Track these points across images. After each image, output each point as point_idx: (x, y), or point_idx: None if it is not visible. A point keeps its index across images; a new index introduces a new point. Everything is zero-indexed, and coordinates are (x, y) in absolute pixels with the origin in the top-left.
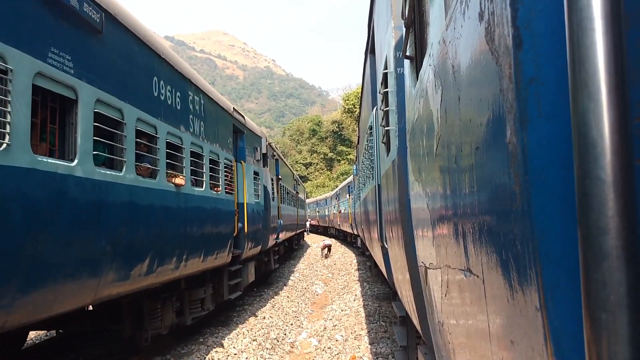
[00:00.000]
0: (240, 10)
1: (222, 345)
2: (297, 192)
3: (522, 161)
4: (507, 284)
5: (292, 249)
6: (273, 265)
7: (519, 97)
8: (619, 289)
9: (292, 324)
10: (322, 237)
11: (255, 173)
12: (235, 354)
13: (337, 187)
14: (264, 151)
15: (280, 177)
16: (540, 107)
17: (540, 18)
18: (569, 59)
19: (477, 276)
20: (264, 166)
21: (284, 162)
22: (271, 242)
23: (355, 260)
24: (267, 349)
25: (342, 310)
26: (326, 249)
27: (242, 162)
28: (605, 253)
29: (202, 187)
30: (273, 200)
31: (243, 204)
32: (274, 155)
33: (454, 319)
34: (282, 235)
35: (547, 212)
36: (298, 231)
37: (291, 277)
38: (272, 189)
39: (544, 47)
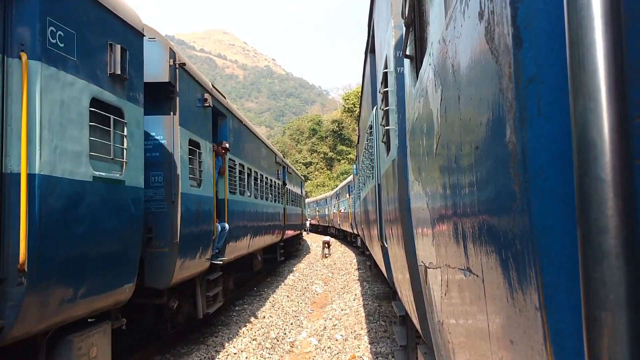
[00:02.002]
0: (240, 9)
1: (222, 345)
2: (283, 182)
3: (522, 160)
4: (507, 283)
5: (277, 261)
6: (203, 310)
7: (519, 96)
8: (619, 288)
9: (292, 324)
10: (321, 237)
11: (102, 105)
12: (235, 354)
13: (337, 186)
14: (161, 73)
15: (228, 146)
16: (540, 106)
17: (540, 17)
18: (569, 58)
19: (477, 276)
20: (162, 111)
21: (249, 129)
22: (190, 270)
23: (355, 260)
24: (267, 348)
25: (342, 310)
26: (326, 246)
27: (23, 55)
28: (605, 252)
29: None
30: (199, 186)
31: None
32: (206, 101)
33: (454, 319)
34: (236, 248)
35: (546, 211)
36: (287, 235)
37: (291, 277)
38: (205, 164)
39: (544, 46)
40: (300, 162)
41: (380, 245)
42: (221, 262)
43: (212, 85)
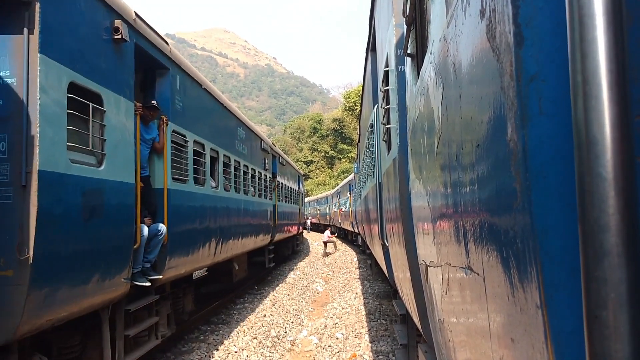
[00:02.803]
0: (241, 8)
1: (222, 343)
2: (273, 174)
3: (523, 159)
4: (508, 281)
5: (265, 267)
6: (117, 357)
7: (520, 94)
8: (620, 286)
9: (292, 322)
10: (322, 236)
11: None
12: (235, 352)
13: (338, 185)
14: None
15: (156, 104)
16: (541, 105)
17: (541, 15)
18: (570, 56)
19: (478, 274)
20: (5, 28)
21: (213, 96)
22: (75, 305)
23: (355, 259)
24: (267, 347)
25: (342, 309)
26: (331, 241)
27: None
28: (606, 251)
29: None
30: (100, 163)
31: None
32: (118, 33)
33: (455, 317)
34: (189, 259)
35: (547, 209)
36: (279, 237)
37: (292, 275)
38: (116, 130)
39: (545, 45)
40: (301, 161)
41: (381, 244)
42: (149, 284)
43: (136, 15)
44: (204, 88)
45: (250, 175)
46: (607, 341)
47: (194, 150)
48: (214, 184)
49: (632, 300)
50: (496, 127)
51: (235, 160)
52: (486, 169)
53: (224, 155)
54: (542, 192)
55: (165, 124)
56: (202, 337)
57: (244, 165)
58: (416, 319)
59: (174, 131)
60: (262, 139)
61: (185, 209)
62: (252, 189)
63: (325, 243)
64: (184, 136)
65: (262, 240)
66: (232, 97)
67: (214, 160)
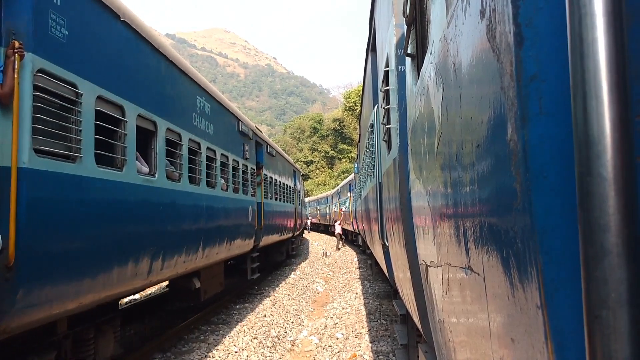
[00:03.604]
0: (241, 8)
1: (223, 343)
2: (257, 164)
3: (523, 159)
4: (508, 281)
5: (247, 279)
6: None
7: (520, 94)
8: (620, 286)
9: (292, 322)
10: (322, 236)
11: None
12: (236, 352)
13: (338, 185)
14: None
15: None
16: (542, 105)
17: (541, 15)
18: (570, 56)
19: (478, 274)
20: None
21: (142, 36)
22: None
23: (356, 259)
24: (267, 347)
25: (342, 309)
26: (340, 240)
27: None
28: (606, 250)
29: None
30: None
31: None
32: None
33: (455, 317)
34: (76, 286)
35: (547, 209)
36: (267, 241)
37: (292, 275)
38: None
39: (546, 44)
40: (302, 161)
41: (381, 244)
42: None
43: None
44: (124, 21)
45: (218, 162)
46: (607, 341)
47: (98, 111)
48: (145, 169)
49: (632, 300)
50: (496, 127)
51: (191, 140)
52: (486, 169)
53: (169, 129)
54: (542, 192)
55: (17, 56)
56: (202, 337)
57: (208, 148)
58: (416, 319)
59: (42, 72)
60: (239, 119)
61: (70, 203)
62: (223, 181)
63: (339, 235)
64: (74, 86)
65: (240, 246)
66: (232, 97)
67: (148, 134)
